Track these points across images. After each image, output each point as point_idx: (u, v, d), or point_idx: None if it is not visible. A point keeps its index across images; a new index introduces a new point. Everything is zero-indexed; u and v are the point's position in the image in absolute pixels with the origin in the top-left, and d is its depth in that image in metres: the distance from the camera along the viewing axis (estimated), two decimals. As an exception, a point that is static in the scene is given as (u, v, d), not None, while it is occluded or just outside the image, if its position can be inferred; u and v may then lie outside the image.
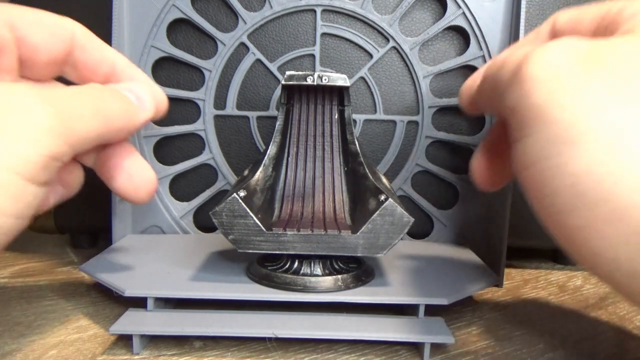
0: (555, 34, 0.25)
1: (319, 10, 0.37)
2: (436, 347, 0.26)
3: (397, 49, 0.38)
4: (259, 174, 0.30)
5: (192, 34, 0.38)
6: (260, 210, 0.29)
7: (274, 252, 0.27)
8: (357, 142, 0.32)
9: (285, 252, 0.27)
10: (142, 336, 0.26)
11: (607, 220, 0.16)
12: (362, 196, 0.30)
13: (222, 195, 0.38)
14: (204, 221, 0.39)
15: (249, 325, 0.26)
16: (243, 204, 0.26)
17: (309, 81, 0.30)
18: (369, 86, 0.38)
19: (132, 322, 0.26)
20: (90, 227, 0.41)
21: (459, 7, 0.37)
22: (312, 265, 0.29)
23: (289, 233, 0.27)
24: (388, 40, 0.38)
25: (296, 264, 0.29)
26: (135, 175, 0.25)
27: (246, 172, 0.32)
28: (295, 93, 0.33)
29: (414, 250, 0.36)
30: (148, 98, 0.26)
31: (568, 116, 0.17)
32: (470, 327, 0.29)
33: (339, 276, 0.28)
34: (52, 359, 0.25)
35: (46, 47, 0.24)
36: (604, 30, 0.22)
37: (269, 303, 0.28)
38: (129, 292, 0.27)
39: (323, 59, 0.38)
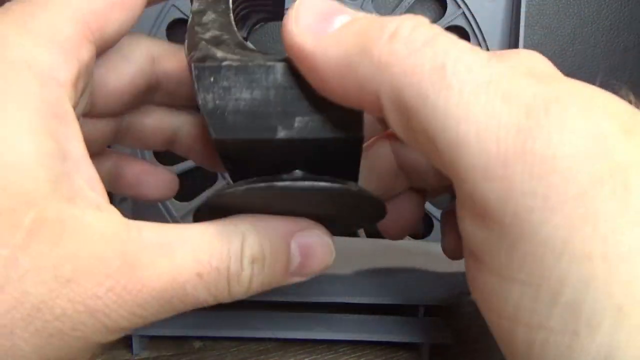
0: None
1: (318, 10, 0.37)
2: (436, 348, 0.26)
3: (397, 49, 0.38)
4: None
5: (192, 34, 0.38)
6: None
7: None
8: None
9: None
10: (142, 337, 0.26)
11: None
12: None
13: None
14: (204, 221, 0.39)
15: (248, 326, 0.26)
16: None
17: None
18: (368, 86, 0.38)
19: (131, 323, 0.26)
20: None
21: (459, 7, 0.37)
22: None
23: None
24: (388, 40, 0.38)
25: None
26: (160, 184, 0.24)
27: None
28: None
29: (414, 250, 0.36)
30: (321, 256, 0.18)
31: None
32: (470, 327, 0.29)
33: None
34: None
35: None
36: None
37: (269, 303, 0.28)
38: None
39: (323, 59, 0.38)
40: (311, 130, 0.17)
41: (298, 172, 0.18)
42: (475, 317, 0.31)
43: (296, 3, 0.16)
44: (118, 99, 0.20)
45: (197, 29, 0.18)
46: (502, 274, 0.14)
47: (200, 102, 0.17)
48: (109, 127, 0.21)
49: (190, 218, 0.38)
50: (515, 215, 0.13)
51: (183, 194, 0.39)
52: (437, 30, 0.14)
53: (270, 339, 0.27)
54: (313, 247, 0.18)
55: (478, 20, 0.37)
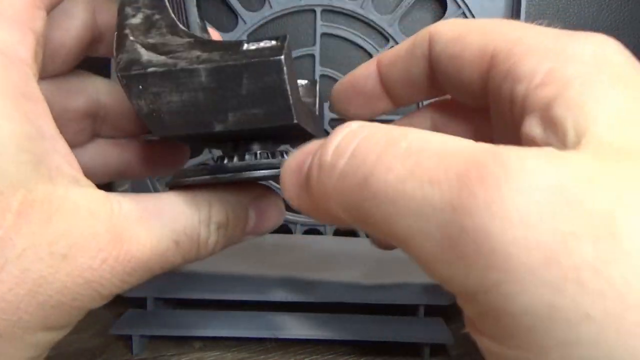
0: (433, 59, 0.18)
1: (318, 10, 0.37)
2: (436, 348, 0.26)
3: (397, 49, 0.38)
4: None
5: (192, 34, 0.38)
6: None
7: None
8: None
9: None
10: (142, 337, 0.26)
11: None
12: None
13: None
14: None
15: (248, 326, 0.26)
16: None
17: None
18: (368, 86, 0.38)
19: (132, 323, 0.26)
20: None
21: (459, 7, 0.37)
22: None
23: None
24: (388, 40, 0.38)
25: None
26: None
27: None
28: None
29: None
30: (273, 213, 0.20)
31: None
32: (470, 327, 0.29)
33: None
34: (51, 360, 0.25)
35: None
36: (497, 96, 0.16)
37: (269, 303, 0.28)
38: (129, 292, 0.27)
39: (323, 59, 0.38)
40: (245, 122, 0.17)
41: (237, 160, 0.19)
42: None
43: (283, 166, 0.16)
44: (64, 55, 0.20)
45: (127, 9, 0.18)
46: None
47: (135, 107, 0.17)
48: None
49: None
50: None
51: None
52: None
53: (270, 339, 0.27)
54: (267, 210, 0.20)
55: (478, 20, 0.37)
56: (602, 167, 0.11)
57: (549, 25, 0.17)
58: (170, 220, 0.17)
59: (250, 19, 0.37)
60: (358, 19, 0.37)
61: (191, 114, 0.17)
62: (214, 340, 0.27)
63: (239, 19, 0.37)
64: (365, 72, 0.21)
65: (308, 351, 0.26)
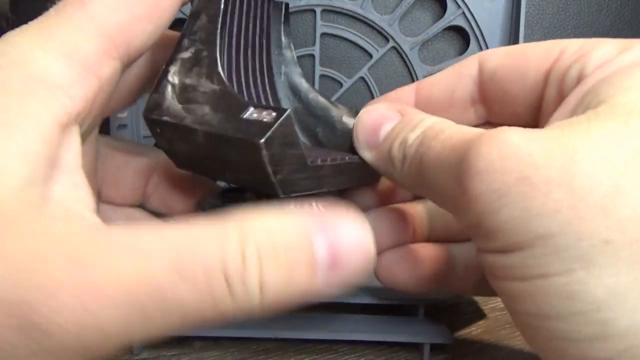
0: (486, 77, 0.21)
1: (318, 10, 0.37)
2: (436, 348, 0.26)
3: (396, 49, 0.38)
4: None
5: (192, 34, 0.38)
6: None
7: (313, 191, 0.19)
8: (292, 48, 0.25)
9: (321, 190, 0.20)
10: (142, 336, 0.26)
11: None
12: (321, 115, 0.24)
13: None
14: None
15: (248, 326, 0.26)
16: (295, 125, 0.18)
17: None
18: (368, 86, 0.38)
19: (131, 323, 0.26)
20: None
21: (459, 7, 0.37)
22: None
23: (326, 164, 0.19)
24: (388, 40, 0.38)
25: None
26: None
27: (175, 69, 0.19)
28: None
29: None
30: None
31: (590, 226, 0.14)
32: (470, 327, 0.29)
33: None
34: (51, 360, 0.25)
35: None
36: (558, 82, 0.18)
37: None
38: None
39: (323, 58, 0.38)
40: (240, 183, 0.20)
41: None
42: (475, 317, 0.31)
43: (356, 118, 0.21)
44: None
45: (184, 41, 0.19)
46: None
47: (158, 143, 0.19)
48: None
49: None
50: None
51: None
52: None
53: (270, 339, 0.27)
54: (344, 243, 0.13)
55: (478, 20, 0.37)
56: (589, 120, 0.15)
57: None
58: (173, 245, 0.13)
59: (250, 19, 0.37)
60: (358, 19, 0.37)
61: (198, 162, 0.19)
62: (214, 340, 0.27)
63: (239, 19, 0.37)
64: (400, 94, 0.23)
65: (308, 351, 0.26)
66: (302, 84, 0.25)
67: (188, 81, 0.18)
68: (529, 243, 0.15)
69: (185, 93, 0.18)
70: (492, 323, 0.30)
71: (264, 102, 0.23)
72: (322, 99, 0.24)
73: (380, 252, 0.23)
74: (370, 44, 0.38)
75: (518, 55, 0.20)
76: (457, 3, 0.37)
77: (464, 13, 0.37)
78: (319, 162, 0.19)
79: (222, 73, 0.18)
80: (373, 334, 0.25)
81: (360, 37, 0.38)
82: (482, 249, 0.16)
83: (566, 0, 0.38)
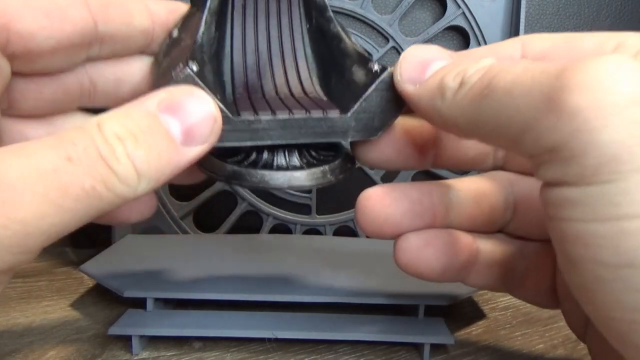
0: (531, 59, 0.20)
1: (318, 10, 0.37)
2: (436, 348, 0.26)
3: (397, 49, 0.38)
4: (202, 36, 0.21)
5: (192, 34, 0.38)
6: (215, 87, 0.21)
7: (243, 143, 0.20)
8: None
9: (259, 143, 0.21)
10: (142, 337, 0.26)
11: None
12: (337, 63, 0.24)
13: (222, 195, 0.38)
14: (204, 221, 0.39)
15: (248, 326, 0.26)
16: (200, 82, 0.19)
17: None
18: (368, 86, 0.38)
19: (131, 323, 0.26)
20: (90, 227, 0.41)
21: (459, 7, 0.37)
22: (287, 155, 0.22)
23: (263, 119, 0.20)
24: (388, 40, 0.38)
25: (265, 154, 0.22)
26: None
27: (176, 33, 0.23)
28: None
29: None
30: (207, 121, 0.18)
31: None
32: (470, 327, 0.29)
33: (325, 167, 0.22)
34: (51, 360, 0.25)
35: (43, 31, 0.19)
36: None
37: (268, 303, 0.28)
38: (128, 292, 0.27)
39: (323, 59, 0.38)
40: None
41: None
42: (475, 317, 0.31)
43: (402, 55, 0.20)
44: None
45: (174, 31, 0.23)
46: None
47: None
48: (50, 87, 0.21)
49: (191, 218, 0.38)
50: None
51: (183, 194, 0.39)
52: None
53: (270, 339, 0.27)
54: (193, 119, 0.17)
55: (478, 20, 0.37)
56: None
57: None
58: (55, 139, 0.15)
59: (250, 19, 0.37)
60: (358, 19, 0.37)
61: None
62: (214, 340, 0.27)
63: (239, 19, 0.37)
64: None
65: (308, 351, 0.26)
66: (330, 29, 0.25)
67: (176, 34, 0.22)
68: (625, 175, 0.13)
69: (170, 47, 0.22)
70: (492, 323, 0.30)
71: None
72: (342, 46, 0.24)
73: (401, 233, 0.22)
74: (370, 44, 0.38)
75: (571, 41, 0.19)
76: (457, 3, 0.37)
77: (464, 13, 0.37)
78: (252, 115, 0.20)
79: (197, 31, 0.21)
80: (373, 334, 0.25)
81: (360, 37, 0.38)
82: (554, 181, 0.15)
83: (566, 0, 0.38)
